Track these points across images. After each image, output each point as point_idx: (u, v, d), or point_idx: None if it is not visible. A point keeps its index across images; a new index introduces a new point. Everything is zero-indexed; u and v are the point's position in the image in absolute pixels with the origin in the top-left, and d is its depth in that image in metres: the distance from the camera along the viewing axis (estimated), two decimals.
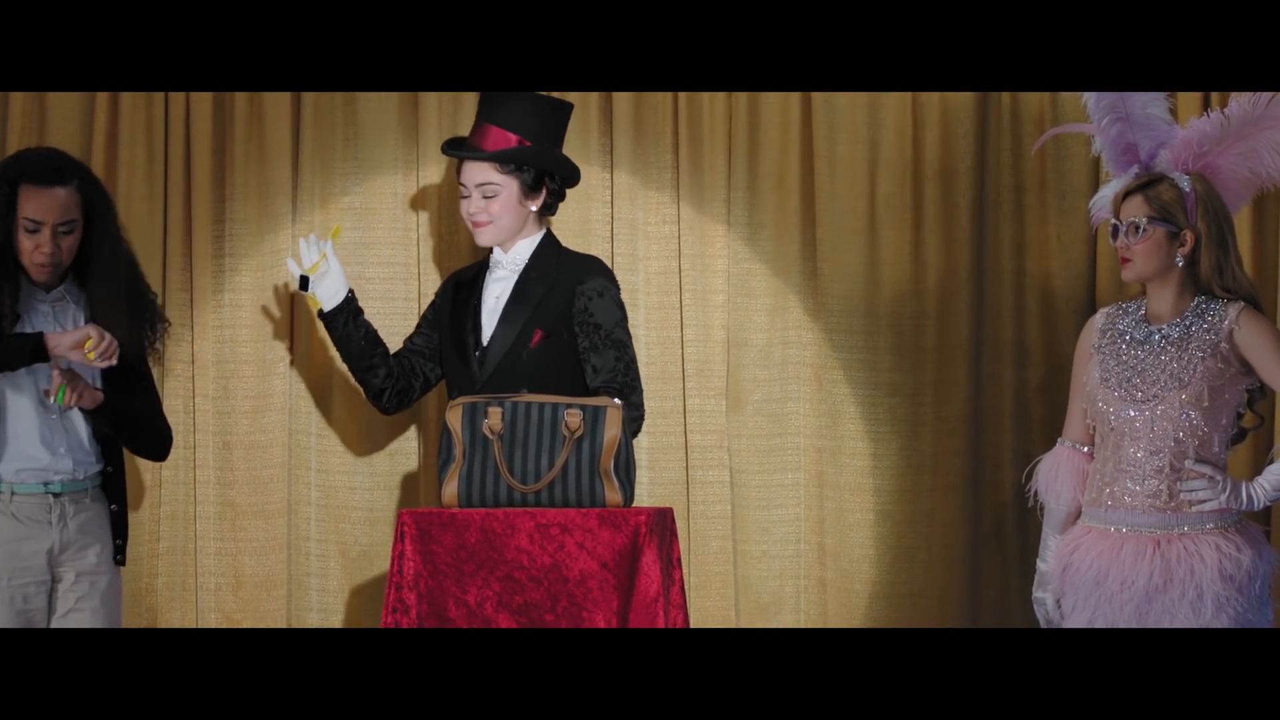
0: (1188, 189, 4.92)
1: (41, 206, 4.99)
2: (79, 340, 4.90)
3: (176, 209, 6.08)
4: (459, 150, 5.52)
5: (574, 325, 5.45)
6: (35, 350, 4.90)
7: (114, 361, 4.93)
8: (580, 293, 5.45)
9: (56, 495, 4.96)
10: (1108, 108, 5.04)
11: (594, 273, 5.50)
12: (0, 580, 4.90)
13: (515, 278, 5.51)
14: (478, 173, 5.47)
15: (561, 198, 5.58)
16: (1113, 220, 4.99)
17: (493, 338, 5.48)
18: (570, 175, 5.57)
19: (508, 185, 5.46)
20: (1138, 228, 4.92)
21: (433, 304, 5.73)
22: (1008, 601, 5.96)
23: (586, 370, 5.45)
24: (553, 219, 5.65)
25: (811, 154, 6.05)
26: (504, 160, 5.44)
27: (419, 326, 5.73)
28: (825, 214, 6.01)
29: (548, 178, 5.50)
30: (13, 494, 4.93)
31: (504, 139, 5.46)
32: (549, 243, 5.56)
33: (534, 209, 5.51)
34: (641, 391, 5.49)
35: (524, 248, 5.53)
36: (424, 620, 5.12)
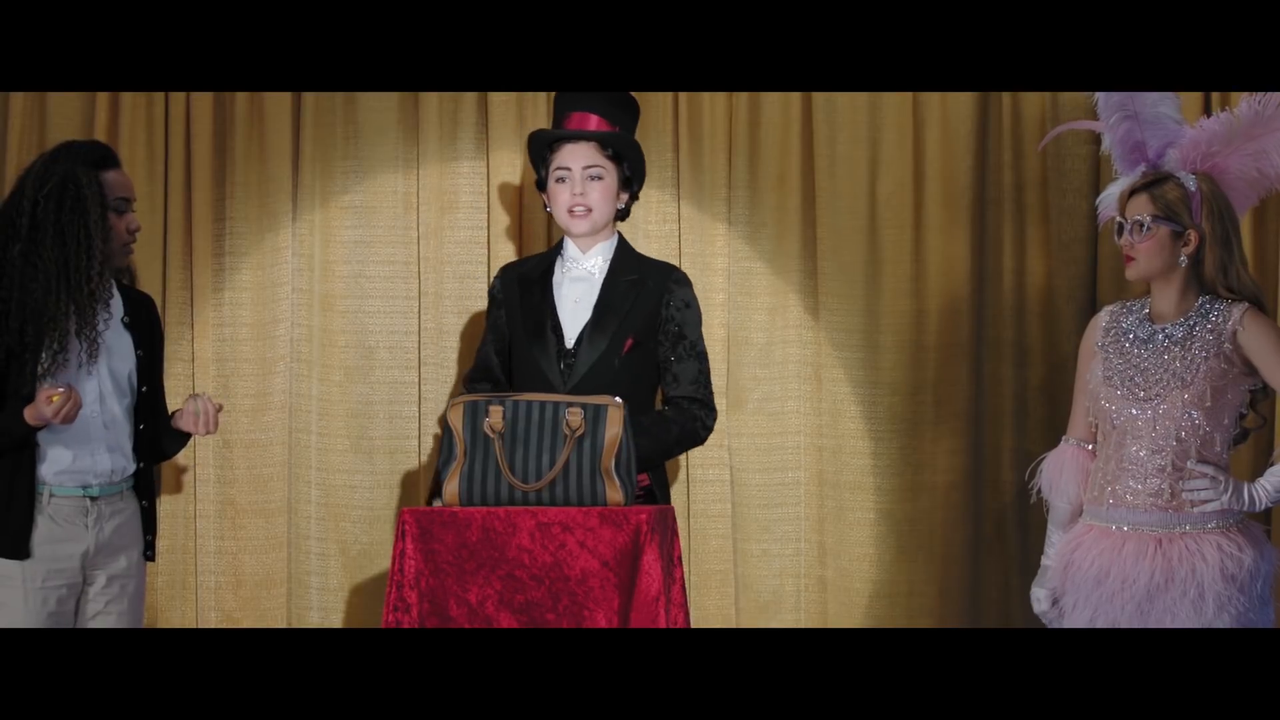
0: (1193, 188, 4.92)
1: (127, 184, 5.03)
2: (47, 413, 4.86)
3: (177, 208, 6.09)
4: (569, 131, 5.39)
5: (658, 333, 5.39)
6: (26, 432, 4.90)
7: (71, 420, 4.87)
8: (669, 302, 5.39)
9: (94, 499, 4.96)
10: (1116, 105, 5.03)
11: (681, 282, 5.43)
12: (35, 582, 4.89)
13: (598, 280, 5.42)
14: (584, 155, 5.38)
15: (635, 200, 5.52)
16: (1117, 218, 4.98)
17: (580, 344, 5.39)
18: (642, 183, 5.51)
19: (610, 173, 5.39)
20: (1142, 226, 4.92)
21: (496, 317, 5.53)
22: (1008, 600, 5.96)
23: (665, 378, 5.41)
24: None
25: (812, 153, 6.06)
26: (618, 144, 5.40)
27: (489, 355, 5.52)
28: (826, 213, 6.02)
29: (633, 174, 5.45)
30: (51, 496, 4.92)
31: (609, 127, 5.40)
32: (626, 246, 5.49)
33: (620, 205, 5.44)
34: (714, 406, 5.45)
35: (602, 250, 5.44)
36: (425, 619, 5.12)
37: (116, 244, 4.97)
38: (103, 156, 5.00)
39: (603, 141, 5.37)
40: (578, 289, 5.42)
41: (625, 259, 5.44)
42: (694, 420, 5.39)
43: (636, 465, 5.12)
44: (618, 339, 5.35)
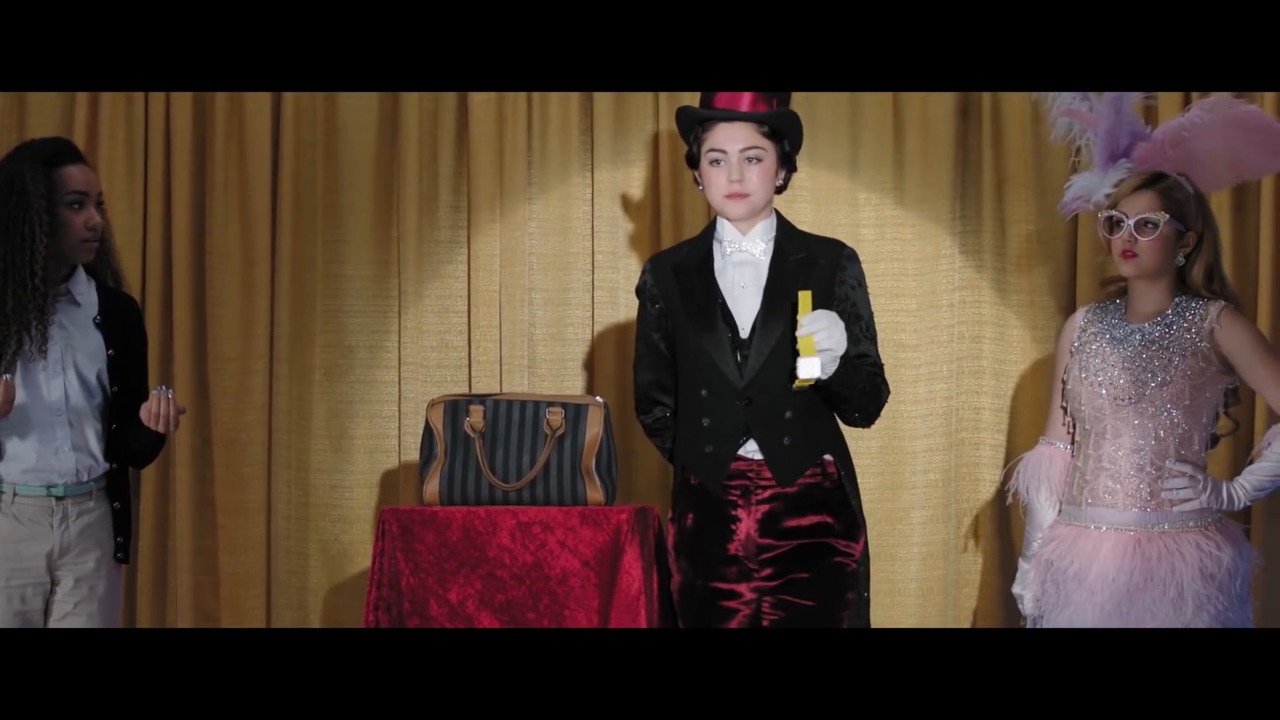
0: (1191, 190, 4.95)
1: (83, 179, 4.97)
2: None
3: (156, 207, 6.08)
4: (721, 112, 4.95)
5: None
6: None
7: (4, 414, 4.86)
8: (842, 280, 4.96)
9: (59, 498, 4.94)
10: (1110, 101, 5.07)
11: (852, 259, 5.00)
12: None
13: (764, 262, 4.97)
14: (741, 136, 4.92)
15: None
16: (1111, 213, 4.97)
17: (754, 332, 4.93)
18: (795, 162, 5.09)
19: (770, 152, 4.94)
20: (1150, 224, 4.92)
21: (651, 314, 5.08)
22: (988, 599, 5.97)
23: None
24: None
25: None
26: (776, 121, 4.95)
27: (653, 362, 5.09)
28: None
29: (792, 152, 5.02)
30: (15, 495, 4.91)
31: (764, 103, 4.95)
32: (787, 223, 5.04)
33: (780, 184, 5.00)
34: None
35: (763, 229, 4.98)
36: (405, 618, 5.12)
37: (72, 240, 4.93)
38: (57, 152, 4.96)
39: (759, 120, 4.95)
40: (744, 273, 4.98)
41: (790, 237, 5.01)
42: (880, 382, 5.00)
43: (840, 386, 4.84)
44: (793, 324, 4.88)
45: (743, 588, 4.91)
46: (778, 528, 4.90)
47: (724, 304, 4.94)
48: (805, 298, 4.81)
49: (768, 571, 4.90)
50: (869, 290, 5.03)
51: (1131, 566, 4.87)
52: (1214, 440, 5.00)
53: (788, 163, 5.00)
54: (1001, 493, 5.85)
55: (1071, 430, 5.05)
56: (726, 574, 4.92)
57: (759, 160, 4.93)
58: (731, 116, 4.91)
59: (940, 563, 5.98)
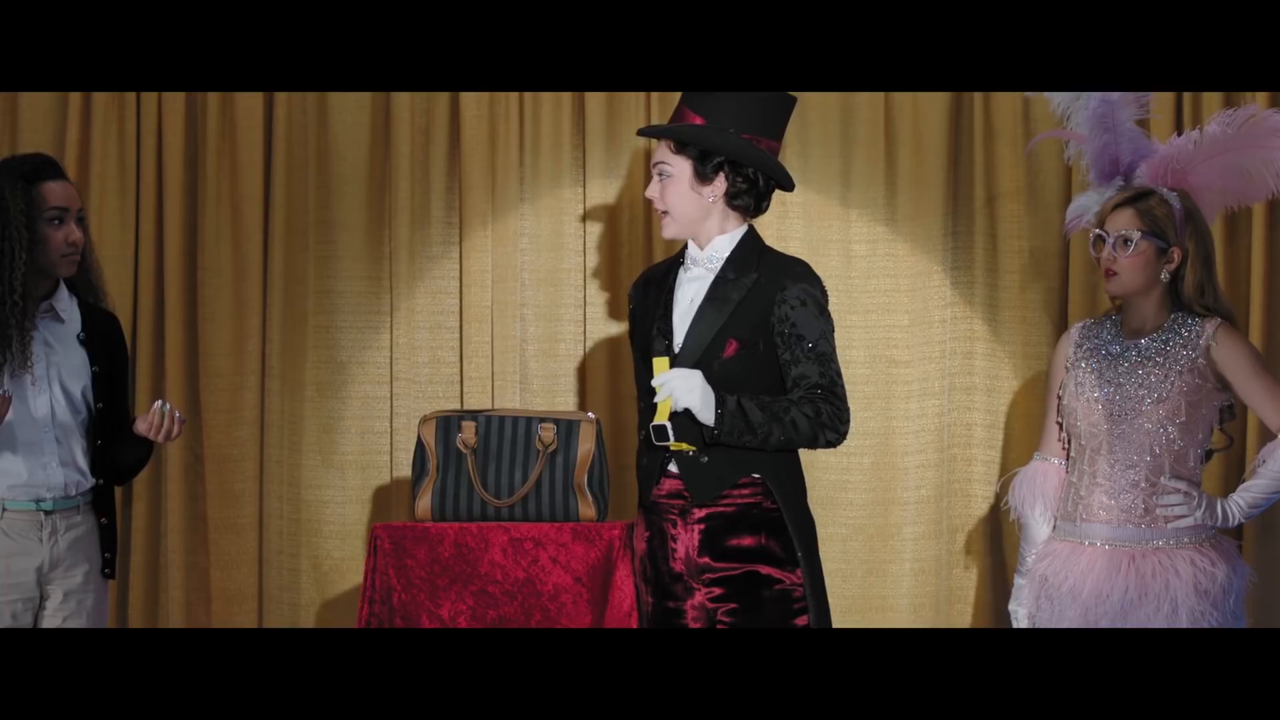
0: (1177, 205, 4.95)
1: (64, 195, 4.97)
2: None
3: (148, 223, 6.08)
4: (641, 129, 5.08)
5: (773, 335, 4.85)
6: None
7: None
8: (781, 300, 4.84)
9: (48, 513, 4.94)
10: (1098, 119, 5.06)
11: (799, 277, 4.87)
12: None
13: (711, 278, 4.92)
14: (657, 152, 4.94)
15: (758, 194, 4.93)
16: (1097, 230, 4.99)
17: (684, 345, 4.87)
18: (764, 164, 4.91)
19: (679, 168, 4.90)
20: (1128, 241, 4.93)
21: (632, 326, 5.10)
22: (980, 615, 5.97)
23: (788, 384, 4.87)
24: (753, 219, 5.01)
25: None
26: (660, 135, 4.93)
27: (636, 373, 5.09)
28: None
29: (729, 165, 4.89)
30: (4, 510, 4.91)
31: (691, 115, 4.90)
32: (750, 241, 4.94)
33: (712, 199, 4.89)
34: (847, 406, 4.87)
35: (721, 245, 4.92)
36: None
37: (53, 256, 4.94)
38: (37, 168, 4.96)
39: (647, 134, 5.01)
40: (693, 288, 4.94)
41: (744, 254, 4.92)
42: (815, 411, 4.82)
43: (744, 438, 4.76)
44: (719, 341, 4.85)
45: (688, 605, 4.91)
46: (718, 547, 4.86)
47: (667, 317, 4.94)
48: (660, 362, 4.79)
49: (713, 592, 4.87)
50: (822, 307, 4.89)
51: (1126, 582, 4.87)
52: (1207, 456, 5.00)
53: (709, 173, 4.88)
54: (995, 508, 5.86)
55: (1066, 446, 5.05)
56: (674, 592, 4.93)
57: (667, 175, 4.92)
58: (642, 132, 5.01)
59: (932, 578, 5.98)
